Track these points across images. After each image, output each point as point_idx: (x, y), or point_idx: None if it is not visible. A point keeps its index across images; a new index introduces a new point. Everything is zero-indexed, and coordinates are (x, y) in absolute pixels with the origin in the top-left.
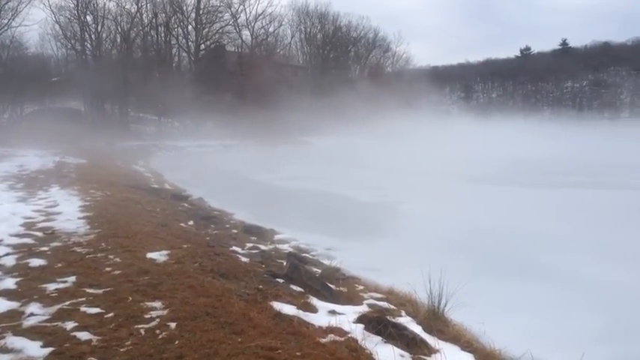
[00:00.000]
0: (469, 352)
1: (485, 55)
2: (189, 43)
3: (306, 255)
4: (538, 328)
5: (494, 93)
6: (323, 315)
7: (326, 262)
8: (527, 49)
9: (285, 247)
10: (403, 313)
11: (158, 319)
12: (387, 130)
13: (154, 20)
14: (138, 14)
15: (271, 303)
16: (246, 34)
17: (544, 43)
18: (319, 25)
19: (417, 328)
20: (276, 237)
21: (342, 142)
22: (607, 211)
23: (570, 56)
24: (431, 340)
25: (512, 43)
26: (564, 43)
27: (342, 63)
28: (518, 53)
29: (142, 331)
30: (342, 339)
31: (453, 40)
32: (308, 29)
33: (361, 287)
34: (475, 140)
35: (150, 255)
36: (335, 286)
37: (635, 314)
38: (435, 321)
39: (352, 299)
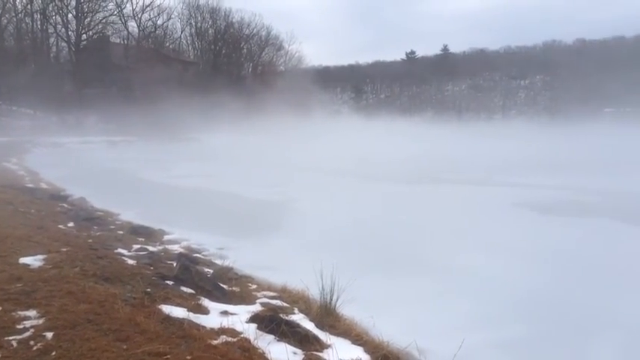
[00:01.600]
0: (359, 345)
1: (374, 58)
2: (70, 32)
3: (198, 255)
4: (423, 318)
5: (382, 94)
6: (215, 316)
7: (218, 262)
8: (412, 53)
9: (176, 248)
10: (296, 310)
11: (32, 330)
12: (278, 128)
13: (28, 6)
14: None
15: (160, 306)
16: (132, 25)
17: (427, 48)
18: (210, 20)
19: (309, 325)
20: (166, 237)
21: (233, 139)
22: (486, 206)
23: (451, 61)
24: (323, 335)
25: (399, 47)
26: (445, 48)
27: (235, 60)
28: (404, 57)
29: (14, 343)
30: (235, 339)
31: (344, 41)
32: (199, 24)
33: (254, 286)
34: (364, 139)
35: (23, 260)
36: (228, 286)
37: (508, 302)
38: (327, 317)
39: (245, 299)
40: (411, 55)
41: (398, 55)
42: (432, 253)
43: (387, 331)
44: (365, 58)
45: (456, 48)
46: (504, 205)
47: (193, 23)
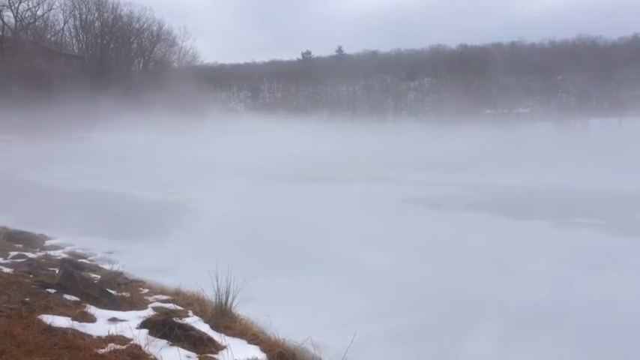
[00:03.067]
0: (255, 344)
1: (270, 57)
2: None
3: (84, 261)
4: (318, 313)
5: (279, 93)
6: (103, 324)
7: (106, 266)
8: (308, 53)
9: (59, 254)
10: (191, 313)
11: None
12: (171, 127)
13: None
14: None
15: (40, 316)
16: (8, 15)
17: (323, 49)
18: (97, 12)
19: (204, 327)
20: (48, 243)
21: (122, 138)
22: (379, 203)
23: (345, 62)
24: (218, 337)
25: (295, 47)
26: (340, 50)
27: (124, 55)
28: (300, 56)
29: None
30: (124, 347)
31: (240, 39)
32: (84, 16)
33: (146, 290)
34: (261, 138)
35: None
36: (117, 291)
37: (398, 293)
38: (223, 318)
39: (136, 304)
40: (306, 55)
41: (294, 54)
42: (327, 250)
43: (284, 329)
44: (261, 57)
45: (350, 49)
46: (396, 202)
47: (78, 15)
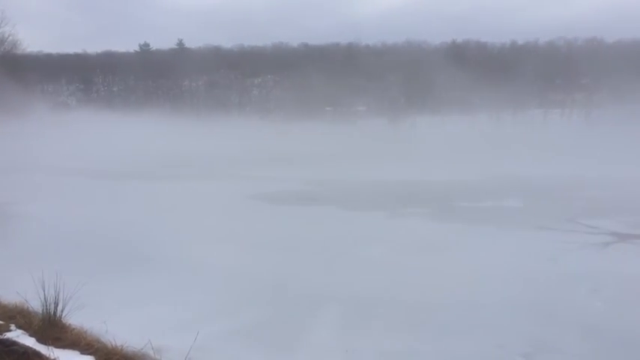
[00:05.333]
0: (89, 354)
1: (104, 47)
2: None
3: None
4: (159, 316)
5: (115, 86)
6: None
7: None
8: (146, 45)
9: None
10: (13, 326)
11: None
12: None
13: None
14: None
15: None
16: None
17: (162, 42)
18: None
19: (30, 341)
20: None
21: None
22: (223, 199)
23: (186, 56)
24: (46, 350)
25: (132, 38)
26: (181, 43)
27: None
28: (137, 48)
29: None
30: None
31: (69, 27)
32: None
33: None
34: (95, 135)
35: None
36: None
37: (242, 289)
38: (52, 329)
39: None
40: (144, 48)
41: (131, 46)
42: (170, 250)
43: (122, 335)
44: (94, 47)
45: (191, 43)
46: (240, 198)
47: None
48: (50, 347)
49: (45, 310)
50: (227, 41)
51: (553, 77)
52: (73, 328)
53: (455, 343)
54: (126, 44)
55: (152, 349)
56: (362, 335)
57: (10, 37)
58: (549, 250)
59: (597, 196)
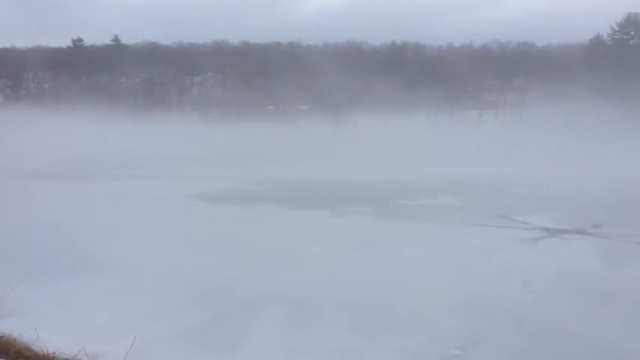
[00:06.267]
0: None
1: (34, 42)
2: None
3: None
4: (95, 321)
5: (46, 83)
6: None
7: None
8: (80, 40)
9: None
10: None
11: None
12: None
13: None
14: None
15: None
16: None
17: (97, 37)
18: None
19: None
20: None
21: None
22: (163, 200)
23: (123, 53)
24: None
25: (64, 32)
26: (116, 39)
27: None
28: (70, 43)
29: None
30: None
31: None
32: None
33: None
34: (28, 133)
35: None
36: None
37: (185, 291)
38: None
39: None
40: (78, 43)
41: (63, 41)
42: (108, 253)
43: (54, 342)
44: (23, 42)
45: (127, 39)
46: (181, 198)
47: None
48: None
49: None
50: (165, 38)
51: (487, 79)
52: (1, 336)
53: (395, 339)
54: (58, 39)
55: (86, 355)
56: (304, 334)
57: None
58: (484, 245)
59: (528, 193)
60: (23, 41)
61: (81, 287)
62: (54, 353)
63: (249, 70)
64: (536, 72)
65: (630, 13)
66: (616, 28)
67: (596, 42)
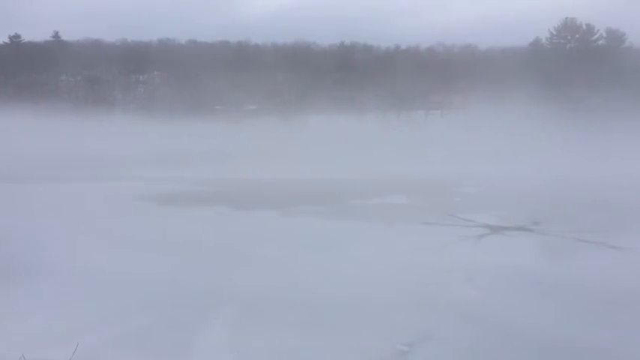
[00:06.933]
0: None
1: None
2: None
3: None
4: (35, 328)
5: None
6: None
7: None
8: (17, 36)
9: None
10: None
11: None
12: None
13: None
14: None
15: None
16: None
17: (35, 33)
18: None
19: None
20: None
21: None
22: (109, 202)
23: (64, 50)
24: None
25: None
26: (57, 35)
27: None
28: (7, 40)
29: None
30: None
31: None
32: None
33: None
34: None
35: None
36: None
37: (133, 295)
38: None
39: None
40: (15, 39)
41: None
42: (51, 257)
43: None
44: None
45: (69, 36)
46: (128, 200)
47: None
48: None
49: None
50: (109, 35)
51: (433, 80)
52: None
53: (344, 337)
54: None
55: None
56: (254, 335)
57: None
58: (431, 243)
59: (473, 192)
60: None
61: (22, 294)
62: None
63: (197, 69)
64: (480, 74)
65: (567, 18)
66: (554, 33)
67: (536, 45)
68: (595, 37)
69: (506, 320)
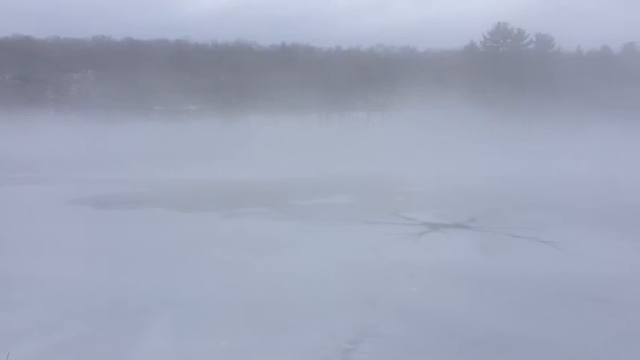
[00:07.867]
0: None
1: None
2: None
3: None
4: None
5: None
6: None
7: None
8: None
9: None
10: None
11: None
12: None
13: None
14: None
15: None
16: None
17: None
18: None
19: None
20: None
21: None
22: (44, 205)
23: None
24: None
25: None
26: None
27: None
28: None
29: None
30: None
31: None
32: None
33: None
34: None
35: None
36: None
37: (62, 304)
38: None
39: None
40: None
41: None
42: None
43: None
44: None
45: None
46: (64, 203)
47: None
48: None
49: None
50: (39, 32)
51: (373, 81)
52: None
53: (289, 337)
54: None
55: None
56: (199, 338)
57: None
58: (373, 242)
59: (413, 191)
60: None
61: None
62: None
63: (134, 68)
64: (419, 75)
65: (499, 22)
66: (487, 37)
67: (471, 49)
68: (525, 41)
69: (444, 314)
